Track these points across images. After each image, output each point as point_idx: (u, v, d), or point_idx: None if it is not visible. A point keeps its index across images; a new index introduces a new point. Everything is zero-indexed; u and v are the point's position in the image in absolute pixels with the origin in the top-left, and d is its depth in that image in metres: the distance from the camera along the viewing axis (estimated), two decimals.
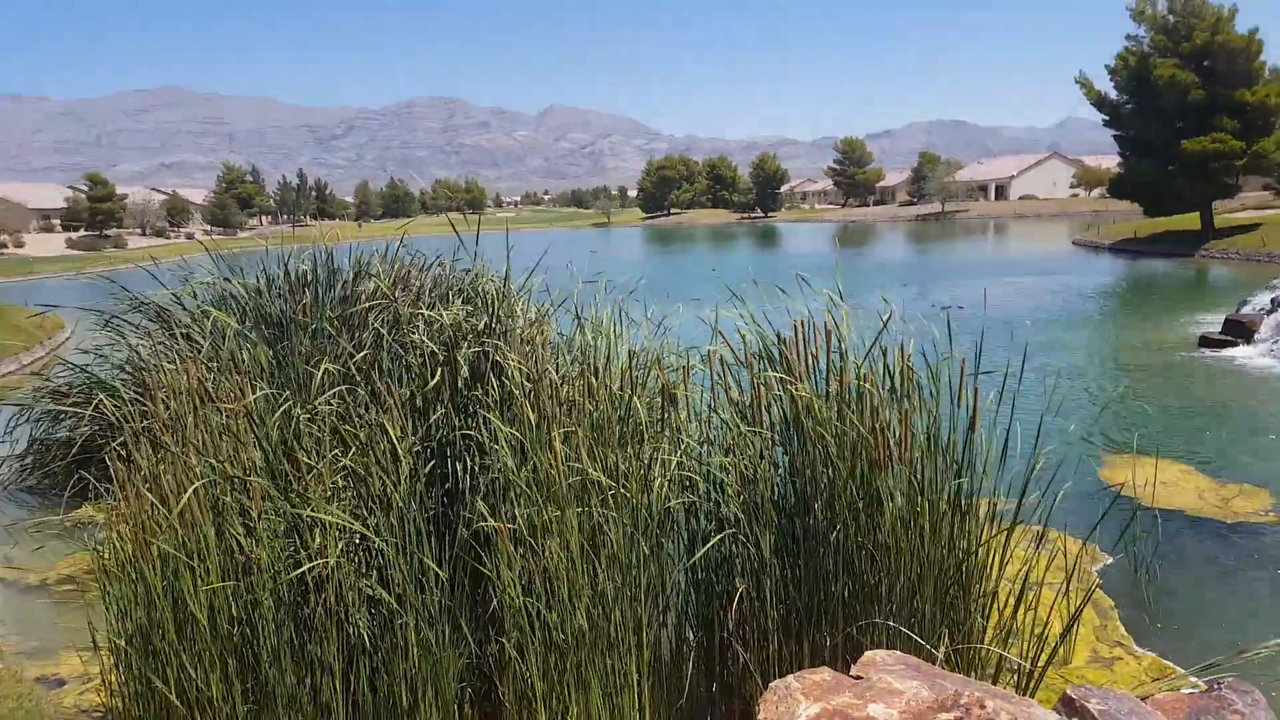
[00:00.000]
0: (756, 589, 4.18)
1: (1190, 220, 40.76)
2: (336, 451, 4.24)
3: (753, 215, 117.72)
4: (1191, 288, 28.25)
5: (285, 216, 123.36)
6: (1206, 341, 16.11)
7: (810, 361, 4.42)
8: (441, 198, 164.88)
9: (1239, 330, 15.98)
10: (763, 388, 4.31)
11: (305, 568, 3.89)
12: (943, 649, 4.00)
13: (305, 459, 4.15)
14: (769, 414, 4.38)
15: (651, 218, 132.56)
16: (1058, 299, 24.52)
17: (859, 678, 3.00)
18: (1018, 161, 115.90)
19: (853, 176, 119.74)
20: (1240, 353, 15.34)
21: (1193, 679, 4.41)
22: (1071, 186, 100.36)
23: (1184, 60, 36.83)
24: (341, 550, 4.00)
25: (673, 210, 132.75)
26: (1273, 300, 16.42)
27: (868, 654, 3.22)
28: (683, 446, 4.25)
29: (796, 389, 4.23)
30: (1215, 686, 3.20)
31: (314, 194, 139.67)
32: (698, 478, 4.30)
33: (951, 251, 49.65)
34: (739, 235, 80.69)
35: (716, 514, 4.38)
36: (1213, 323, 17.20)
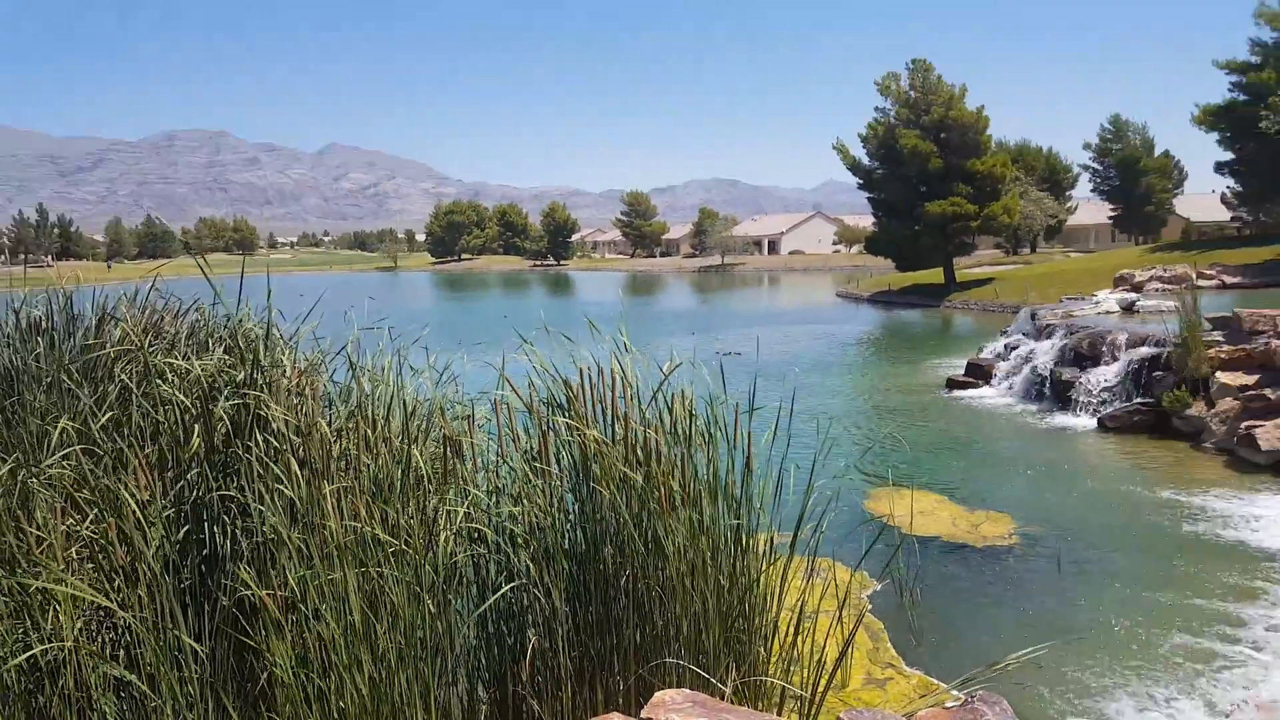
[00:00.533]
0: (549, 638, 4.10)
1: (936, 275, 45.43)
2: (73, 519, 3.75)
3: (545, 263, 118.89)
4: (939, 335, 31.35)
5: (23, 256, 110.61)
6: (952, 383, 17.88)
7: (597, 407, 4.45)
8: (206, 237, 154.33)
9: (979, 373, 17.88)
10: (551, 434, 4.28)
11: (36, 650, 3.40)
12: (730, 683, 4.10)
13: (36, 529, 3.65)
14: (558, 461, 4.35)
15: (442, 262, 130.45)
16: (824, 345, 26.40)
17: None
18: (787, 219, 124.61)
19: (639, 228, 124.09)
20: (981, 393, 17.14)
21: (954, 693, 4.77)
22: (834, 243, 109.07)
23: (924, 132, 41.30)
24: (81, 629, 3.53)
25: (464, 256, 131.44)
26: (1005, 345, 18.54)
27: (657, 695, 3.23)
28: (469, 498, 4.12)
29: (584, 435, 4.24)
30: (969, 700, 3.46)
31: (56, 231, 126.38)
32: (486, 529, 4.18)
33: (731, 301, 52.39)
34: (532, 282, 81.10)
35: (507, 565, 4.27)
36: (957, 366, 19.13)
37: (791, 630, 4.39)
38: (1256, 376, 11.91)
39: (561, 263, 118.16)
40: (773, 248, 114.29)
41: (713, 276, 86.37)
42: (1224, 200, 59.62)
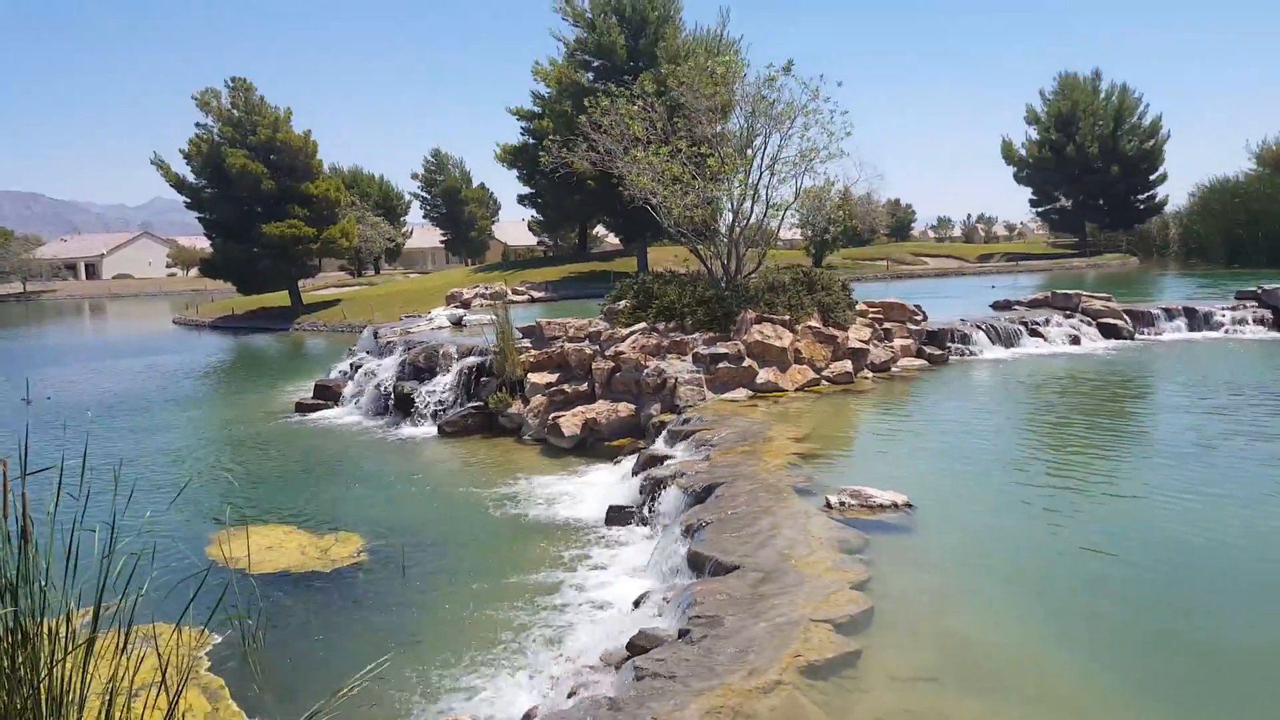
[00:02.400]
0: None
1: (282, 297, 44.32)
2: None
3: None
4: (289, 358, 30.59)
5: None
6: (302, 406, 17.52)
7: None
8: None
9: (327, 393, 17.83)
10: None
11: None
12: None
13: None
14: None
15: None
16: (161, 378, 23.74)
17: None
18: (109, 239, 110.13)
19: None
20: (331, 413, 17.11)
21: None
22: (168, 266, 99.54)
23: (253, 152, 39.92)
24: None
25: None
26: (352, 365, 18.81)
27: None
28: None
29: None
30: None
31: None
32: None
33: (43, 336, 43.98)
34: None
35: None
36: (307, 389, 18.81)
37: (103, 718, 3.64)
38: (557, 375, 14.05)
39: None
40: (92, 271, 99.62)
41: (13, 306, 71.74)
42: (530, 227, 70.08)
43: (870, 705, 4.48)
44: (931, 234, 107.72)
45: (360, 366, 18.16)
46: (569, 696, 4.95)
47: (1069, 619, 5.55)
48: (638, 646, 5.36)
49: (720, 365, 12.94)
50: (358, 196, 61.89)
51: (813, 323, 14.40)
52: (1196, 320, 18.74)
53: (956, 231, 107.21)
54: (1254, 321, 18.39)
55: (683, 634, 5.26)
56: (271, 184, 39.78)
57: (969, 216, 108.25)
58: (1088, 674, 4.84)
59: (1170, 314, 18.86)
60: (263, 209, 40.55)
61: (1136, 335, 18.13)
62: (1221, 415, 10.83)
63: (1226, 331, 18.30)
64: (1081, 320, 18.17)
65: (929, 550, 6.73)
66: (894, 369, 15.14)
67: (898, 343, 15.77)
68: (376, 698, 5.72)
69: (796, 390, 13.39)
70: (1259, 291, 19.18)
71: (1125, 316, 18.34)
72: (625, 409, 12.72)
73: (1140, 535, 6.86)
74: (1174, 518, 7.17)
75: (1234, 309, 18.80)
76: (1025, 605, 5.76)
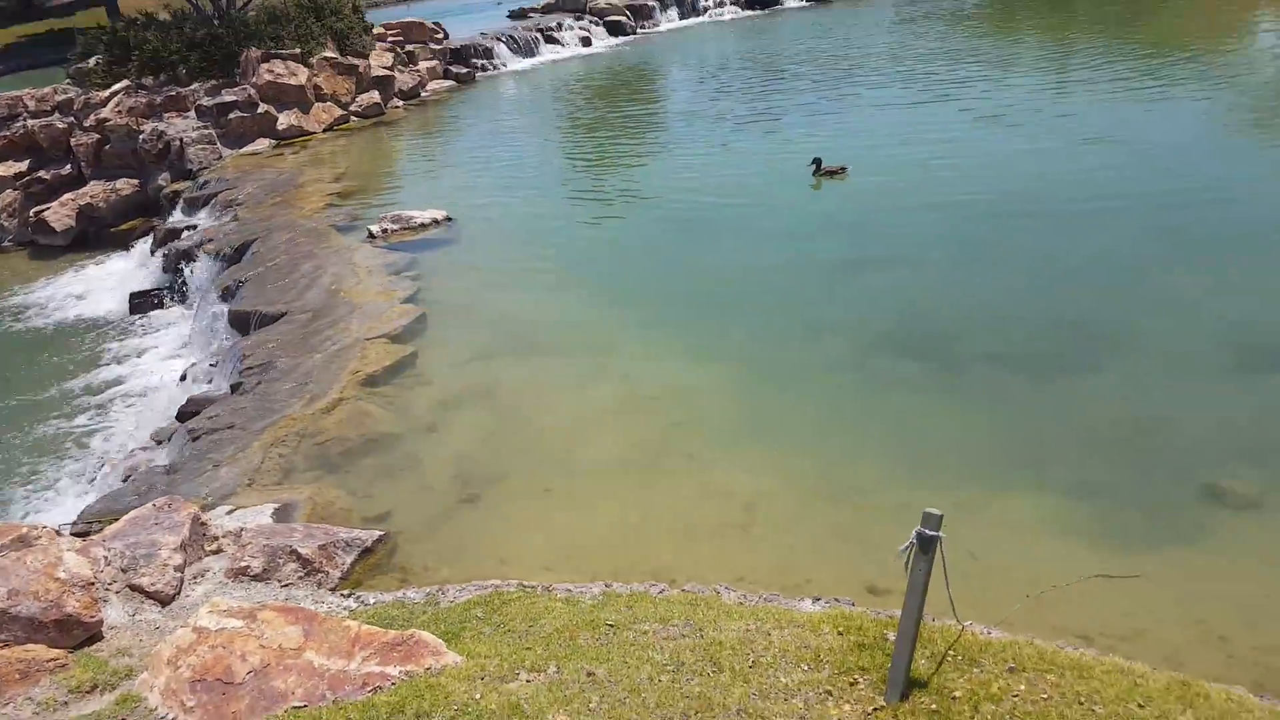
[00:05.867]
0: None
1: None
2: None
3: None
4: None
5: None
6: None
7: None
8: None
9: None
10: None
11: None
12: None
13: None
14: None
15: None
16: None
17: None
18: None
19: None
20: None
21: None
22: None
23: None
24: None
25: None
26: None
27: None
28: None
29: None
30: None
31: None
32: None
33: None
34: None
35: None
36: None
37: None
38: (27, 161, 11.62)
39: None
40: None
41: None
42: None
43: (432, 392, 4.78)
44: None
45: None
46: (124, 481, 4.62)
47: (596, 285, 6.26)
48: (187, 413, 5.08)
49: (232, 116, 11.60)
50: None
51: (329, 53, 13.29)
52: (685, 7, 20.42)
53: None
54: (730, 2, 20.53)
55: (235, 388, 5.07)
56: None
57: None
58: (613, 322, 5.58)
59: (663, 5, 20.29)
60: None
61: (639, 29, 19.39)
62: (717, 87, 12.28)
63: (710, 15, 20.27)
64: (590, 21, 18.90)
65: (472, 252, 7.05)
66: (423, 93, 14.73)
67: (423, 65, 15.24)
68: None
69: (325, 131, 12.57)
70: None
71: (627, 12, 19.39)
72: (127, 186, 11.05)
73: (647, 202, 7.77)
74: (678, 178, 8.21)
75: None
76: (558, 280, 6.37)
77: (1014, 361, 4.57)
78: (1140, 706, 2.24)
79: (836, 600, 2.89)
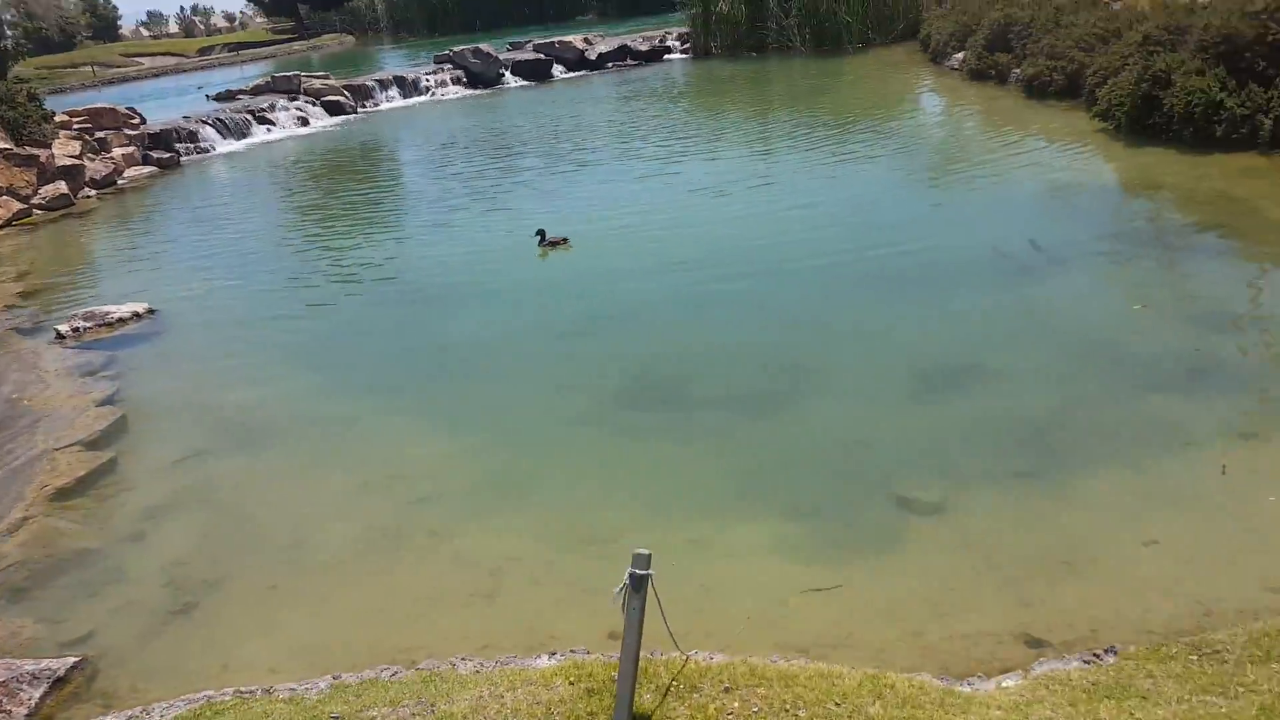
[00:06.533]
0: None
1: None
2: None
3: None
4: None
5: None
6: None
7: None
8: None
9: None
10: None
11: None
12: None
13: None
14: None
15: None
16: None
17: None
18: None
19: None
20: None
21: None
22: None
23: None
24: None
25: None
26: None
27: None
28: None
29: None
30: None
31: None
32: None
33: None
34: None
35: None
36: None
37: None
38: None
39: None
40: None
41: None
42: None
43: (137, 499, 4.38)
44: (145, 32, 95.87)
45: None
46: None
47: (322, 370, 6.03)
48: None
49: None
50: None
51: (1, 144, 11.97)
52: (407, 87, 20.44)
53: (173, 27, 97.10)
54: (453, 83, 20.79)
55: None
56: None
57: (183, 9, 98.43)
58: (343, 406, 5.39)
59: (384, 85, 20.20)
60: None
61: (359, 109, 19.13)
62: (440, 164, 12.37)
63: (433, 95, 20.41)
64: (306, 101, 18.42)
65: (179, 345, 6.56)
66: (120, 181, 13.61)
67: (117, 152, 14.10)
68: None
69: (3, 228, 11.28)
70: (450, 54, 21.61)
71: (346, 92, 19.11)
72: None
73: (373, 284, 7.64)
74: (404, 256, 8.16)
75: (435, 73, 20.92)
76: (279, 368, 6.07)
77: (737, 403, 4.93)
78: (837, 704, 2.48)
79: (572, 651, 2.95)
